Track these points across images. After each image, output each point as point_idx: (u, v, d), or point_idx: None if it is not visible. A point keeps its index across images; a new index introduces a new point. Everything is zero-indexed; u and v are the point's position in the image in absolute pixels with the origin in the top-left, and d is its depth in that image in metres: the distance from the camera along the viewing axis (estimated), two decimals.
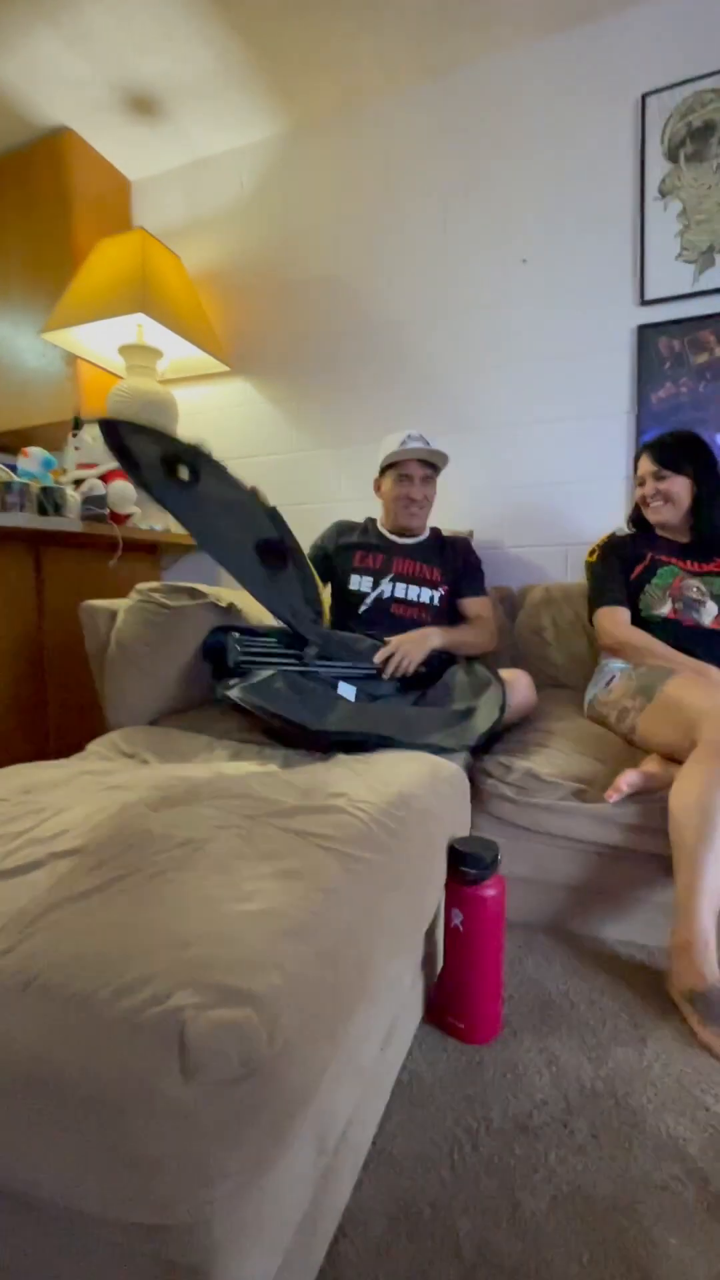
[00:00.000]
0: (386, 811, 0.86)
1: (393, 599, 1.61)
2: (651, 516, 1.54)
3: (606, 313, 1.91)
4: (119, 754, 1.25)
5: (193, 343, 2.14)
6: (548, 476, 2.02)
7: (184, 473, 1.22)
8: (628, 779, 1.11)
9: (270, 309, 2.29)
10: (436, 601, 1.62)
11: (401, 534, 1.71)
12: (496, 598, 1.92)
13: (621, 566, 1.56)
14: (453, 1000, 0.94)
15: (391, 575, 1.63)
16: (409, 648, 1.43)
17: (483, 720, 1.23)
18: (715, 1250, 0.63)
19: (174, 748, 1.25)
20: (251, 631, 1.42)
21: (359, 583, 1.63)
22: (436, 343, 2.09)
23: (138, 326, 2.14)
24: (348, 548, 1.69)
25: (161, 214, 2.43)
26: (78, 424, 2.08)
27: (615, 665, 1.46)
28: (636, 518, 1.64)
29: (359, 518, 1.83)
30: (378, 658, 1.42)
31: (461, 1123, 0.78)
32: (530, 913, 1.24)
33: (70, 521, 1.83)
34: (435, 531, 1.77)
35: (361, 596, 1.62)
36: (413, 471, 1.63)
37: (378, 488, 1.74)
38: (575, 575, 1.98)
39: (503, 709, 1.26)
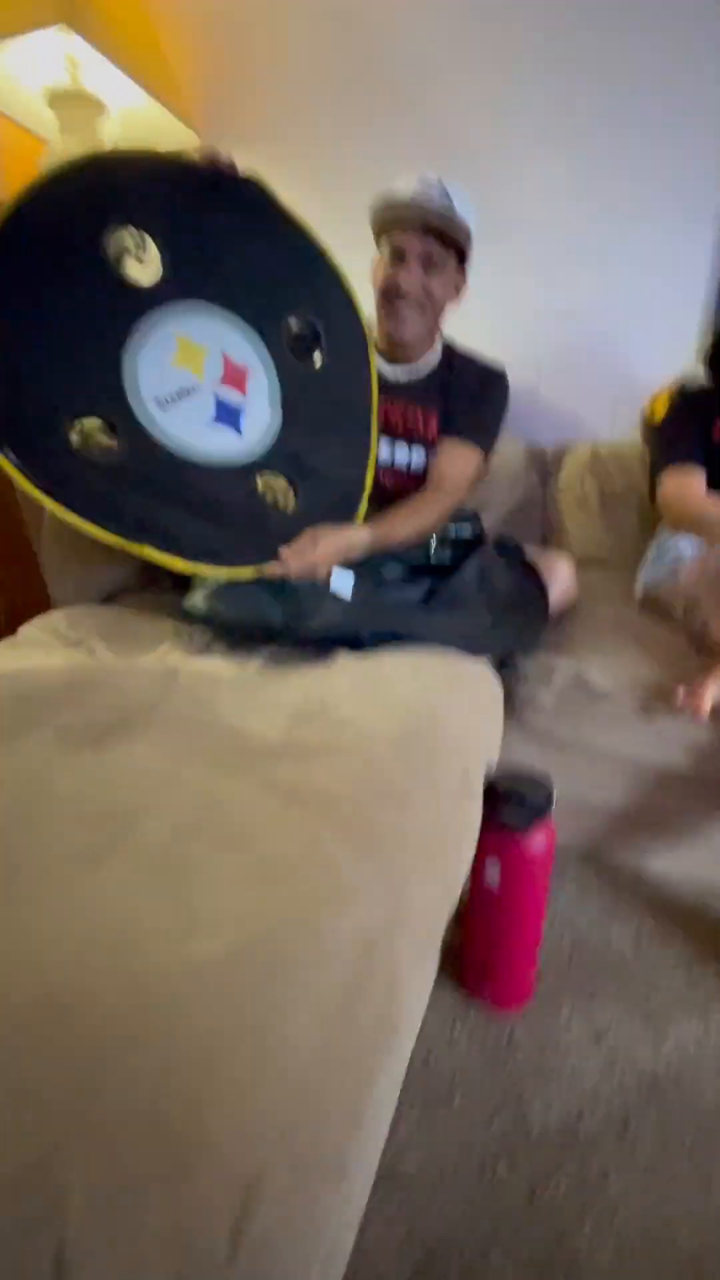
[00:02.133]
0: (408, 743, 0.61)
1: (379, 466, 1.11)
2: None
3: (709, 48, 1.38)
4: (60, 641, 0.98)
5: (144, 86, 1.57)
6: (600, 300, 1.58)
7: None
8: (711, 690, 0.87)
9: (252, 42, 1.68)
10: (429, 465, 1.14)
11: (393, 357, 1.14)
12: (527, 457, 1.58)
13: (697, 421, 1.22)
14: (478, 963, 0.76)
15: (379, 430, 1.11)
16: (311, 564, 0.89)
17: (517, 636, 0.99)
18: None
19: (130, 633, 0.99)
20: None
21: None
22: (477, 99, 1.55)
23: (69, 60, 1.56)
24: None
25: None
26: None
27: (683, 544, 1.18)
28: (716, 360, 1.27)
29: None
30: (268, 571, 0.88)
31: (493, 1127, 0.62)
32: (561, 837, 1.04)
33: None
34: (448, 353, 1.19)
35: None
36: (407, 244, 1.03)
37: (374, 270, 1.11)
38: (624, 431, 1.62)
39: (545, 620, 0.99)
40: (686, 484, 1.18)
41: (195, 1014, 0.32)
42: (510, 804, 0.69)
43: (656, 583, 1.18)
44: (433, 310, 1.11)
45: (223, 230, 0.91)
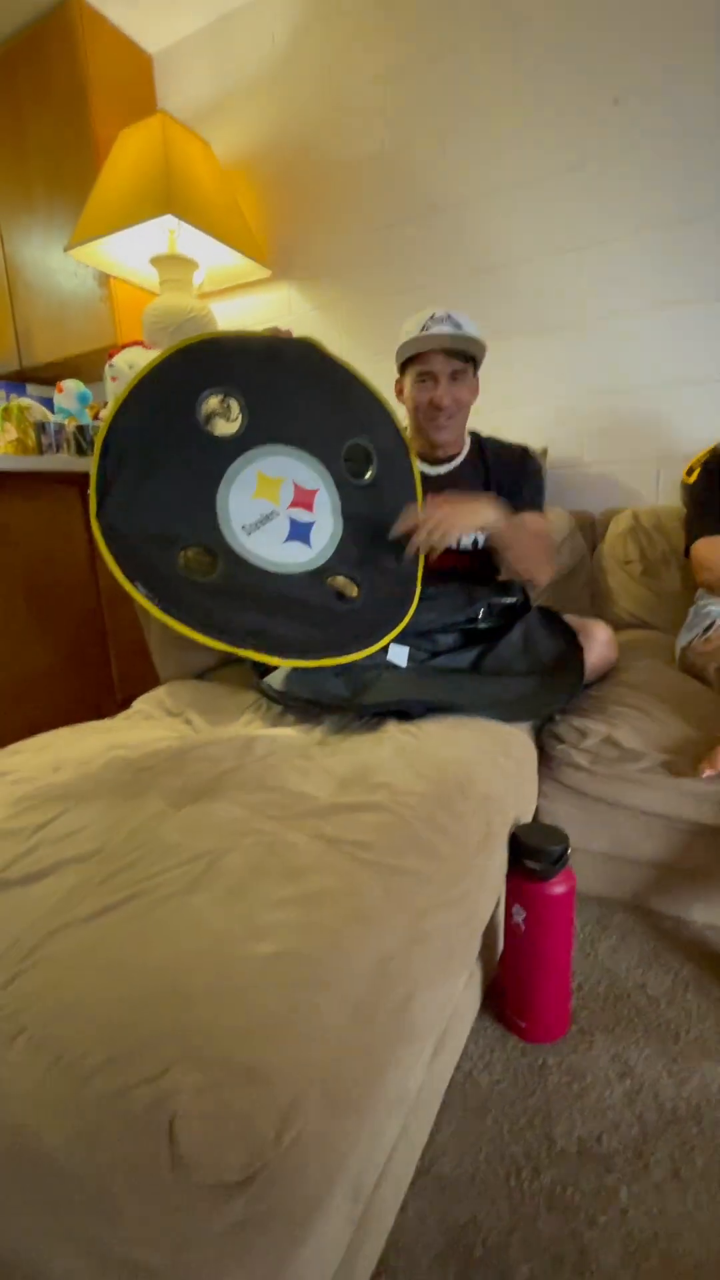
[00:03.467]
0: (438, 803, 0.75)
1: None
2: None
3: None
4: (164, 712, 1.20)
5: (228, 244, 1.91)
6: (638, 379, 1.71)
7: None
8: None
9: (311, 197, 2.01)
10: (483, 543, 1.31)
11: (433, 459, 1.35)
12: (574, 524, 1.70)
13: None
14: (513, 998, 0.86)
15: None
16: (446, 515, 1.08)
17: (554, 696, 1.08)
18: None
19: (218, 705, 1.19)
20: None
21: None
22: (503, 221, 1.77)
23: (169, 233, 1.93)
24: None
25: (187, 91, 2.14)
26: None
27: (717, 608, 1.25)
28: None
29: None
30: (395, 530, 1.10)
31: (521, 1140, 0.72)
32: (606, 888, 1.12)
33: None
34: (476, 442, 1.39)
35: None
36: (436, 367, 1.23)
37: (399, 391, 1.35)
38: (669, 497, 1.72)
39: (580, 678, 1.10)
40: (716, 550, 1.26)
41: (254, 991, 0.47)
42: (531, 855, 0.80)
43: (693, 644, 1.25)
44: (462, 415, 1.30)
45: (287, 385, 1.13)
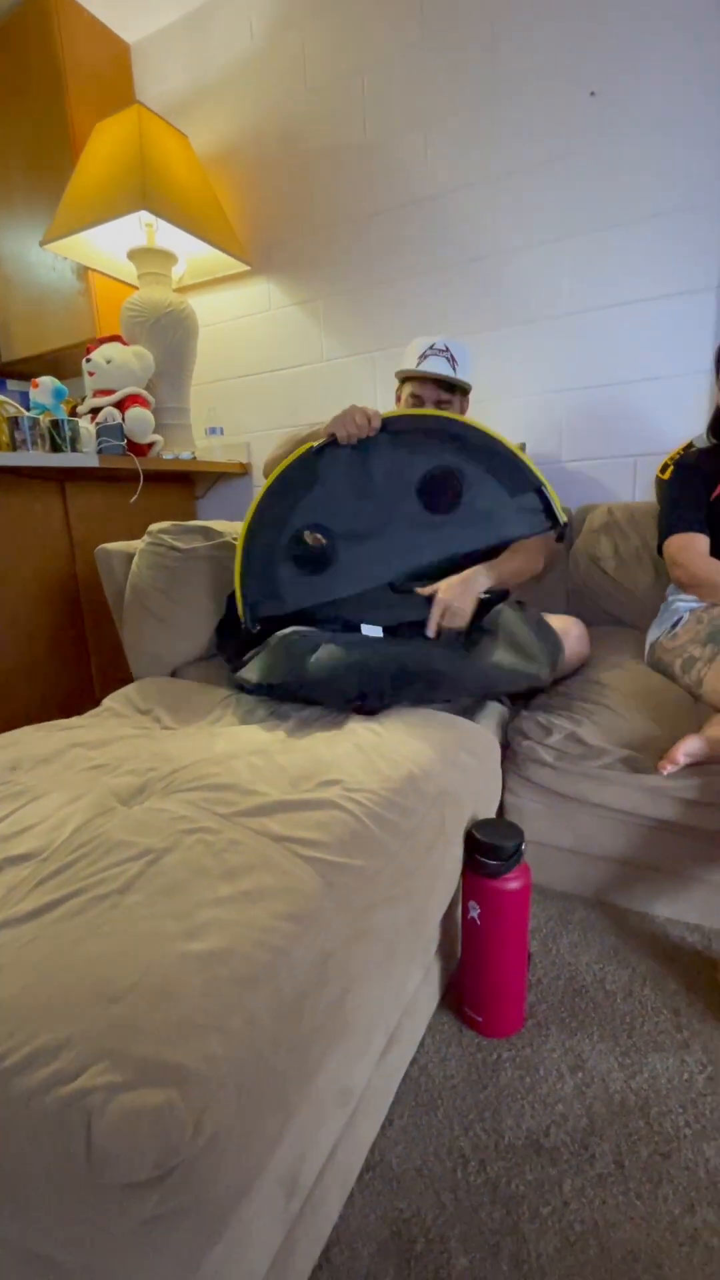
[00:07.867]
0: (389, 800, 0.75)
1: None
2: None
3: (696, 155, 1.52)
4: (134, 710, 1.20)
5: (205, 240, 1.89)
6: (615, 374, 1.71)
7: None
8: (686, 747, 0.95)
9: (291, 191, 1.99)
10: None
11: None
12: None
13: (701, 484, 1.31)
14: (470, 993, 0.86)
15: None
16: (453, 597, 1.19)
17: (526, 672, 1.08)
18: None
19: (189, 703, 1.19)
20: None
21: None
22: (482, 214, 1.76)
23: (147, 227, 1.92)
24: None
25: (165, 82, 2.11)
26: None
27: (684, 604, 1.26)
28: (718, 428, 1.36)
29: None
30: (430, 629, 1.20)
31: (470, 1134, 0.72)
32: (570, 883, 1.13)
33: (85, 457, 1.72)
34: None
35: None
36: (425, 394, 1.37)
37: (398, 399, 1.47)
38: (645, 493, 1.72)
39: (554, 666, 1.10)
40: (688, 547, 1.26)
41: (180, 989, 0.47)
42: (484, 851, 0.80)
43: (660, 641, 1.26)
44: None
45: None
